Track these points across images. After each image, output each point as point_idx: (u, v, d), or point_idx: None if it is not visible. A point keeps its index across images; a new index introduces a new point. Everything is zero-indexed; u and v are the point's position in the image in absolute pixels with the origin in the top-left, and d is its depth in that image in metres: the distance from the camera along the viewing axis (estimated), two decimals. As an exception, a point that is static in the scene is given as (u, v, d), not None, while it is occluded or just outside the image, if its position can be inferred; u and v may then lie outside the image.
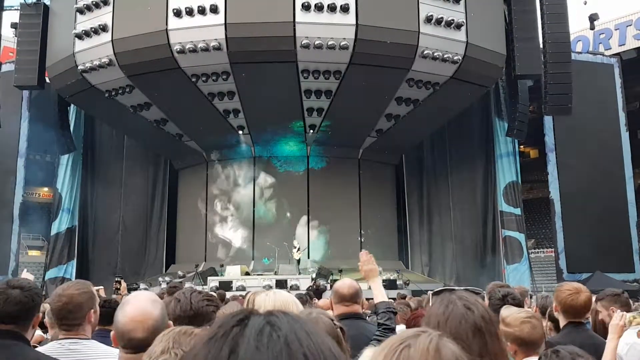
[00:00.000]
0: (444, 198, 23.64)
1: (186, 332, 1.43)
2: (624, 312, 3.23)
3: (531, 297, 8.14)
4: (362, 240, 22.19)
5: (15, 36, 21.33)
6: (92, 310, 2.53)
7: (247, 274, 18.70)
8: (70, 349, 2.38)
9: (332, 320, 1.96)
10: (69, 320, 2.44)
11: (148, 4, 16.64)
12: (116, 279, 12.50)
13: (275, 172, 22.06)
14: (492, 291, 3.27)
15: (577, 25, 27.56)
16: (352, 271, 18.84)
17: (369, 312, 5.09)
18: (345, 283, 3.36)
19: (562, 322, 3.16)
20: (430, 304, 1.54)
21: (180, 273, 20.28)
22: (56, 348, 2.40)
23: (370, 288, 3.46)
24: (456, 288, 1.65)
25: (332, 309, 3.26)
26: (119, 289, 9.19)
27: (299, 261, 19.02)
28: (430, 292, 1.67)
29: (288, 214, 21.80)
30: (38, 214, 29.98)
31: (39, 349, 2.58)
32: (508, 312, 2.38)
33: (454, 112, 21.00)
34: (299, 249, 19.03)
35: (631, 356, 2.71)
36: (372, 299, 5.68)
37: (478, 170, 23.20)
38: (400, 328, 4.02)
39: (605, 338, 3.43)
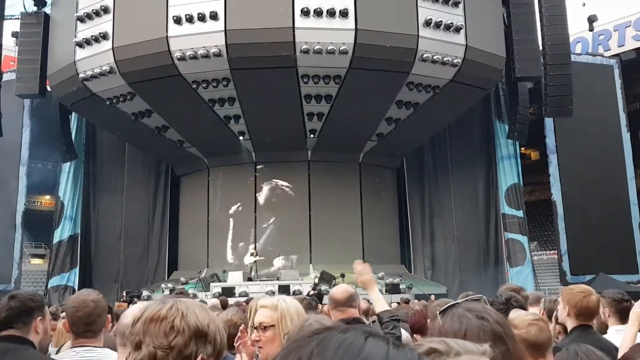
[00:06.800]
0: (445, 201, 23.58)
1: (153, 319, 1.26)
2: None
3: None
4: (364, 244, 22.14)
5: (16, 45, 21.42)
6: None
7: (250, 279, 18.66)
8: (85, 356, 2.38)
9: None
10: (94, 325, 2.45)
11: (148, 12, 16.70)
12: None
13: (276, 177, 22.04)
14: (495, 295, 3.24)
15: (576, 26, 27.62)
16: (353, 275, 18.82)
17: (375, 318, 5.07)
18: (339, 288, 3.34)
19: (571, 326, 3.10)
20: (441, 323, 1.51)
21: (182, 279, 20.23)
22: (71, 356, 2.41)
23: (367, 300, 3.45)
24: (459, 301, 1.62)
25: (330, 316, 3.24)
26: None
27: (252, 267, 18.86)
28: (437, 313, 1.61)
29: (289, 219, 21.76)
30: (40, 222, 30.02)
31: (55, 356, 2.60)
32: (515, 314, 2.38)
33: (455, 115, 21.00)
34: (252, 254, 18.95)
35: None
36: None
37: (479, 173, 23.18)
38: (405, 333, 4.01)
39: None
